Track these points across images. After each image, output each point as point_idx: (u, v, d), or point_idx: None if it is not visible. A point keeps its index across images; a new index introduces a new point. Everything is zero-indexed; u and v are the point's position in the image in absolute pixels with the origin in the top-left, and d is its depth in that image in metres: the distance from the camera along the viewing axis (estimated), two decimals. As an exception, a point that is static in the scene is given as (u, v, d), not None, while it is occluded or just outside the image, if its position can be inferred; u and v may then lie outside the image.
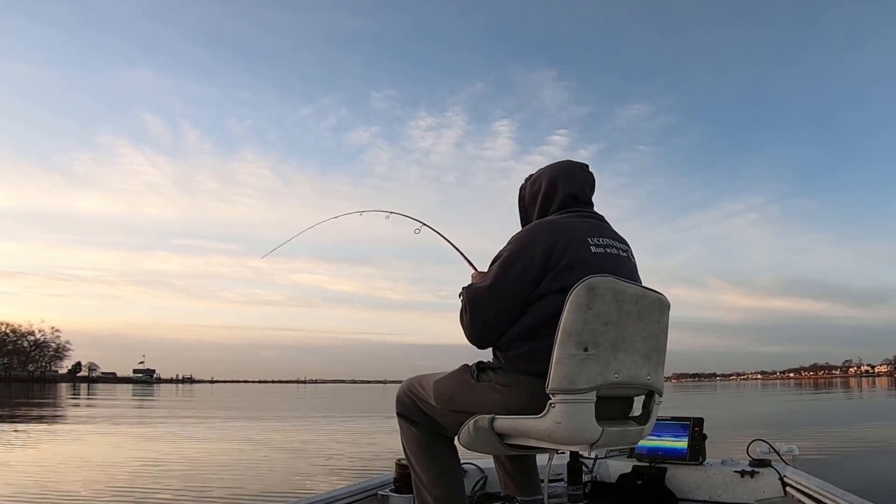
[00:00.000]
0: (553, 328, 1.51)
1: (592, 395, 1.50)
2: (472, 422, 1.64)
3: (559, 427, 1.49)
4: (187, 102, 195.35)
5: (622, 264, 1.72)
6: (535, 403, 1.52)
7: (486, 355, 1.77)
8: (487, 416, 1.61)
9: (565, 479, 2.51)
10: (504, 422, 1.59)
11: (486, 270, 1.88)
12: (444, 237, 2.65)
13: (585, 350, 1.49)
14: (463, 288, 1.85)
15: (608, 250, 1.69)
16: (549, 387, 1.49)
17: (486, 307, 1.63)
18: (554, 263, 1.60)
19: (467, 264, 2.26)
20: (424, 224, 2.76)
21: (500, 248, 1.70)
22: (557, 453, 1.74)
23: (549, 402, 1.49)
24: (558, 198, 1.81)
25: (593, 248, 1.66)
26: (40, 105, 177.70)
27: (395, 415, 1.87)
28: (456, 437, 1.73)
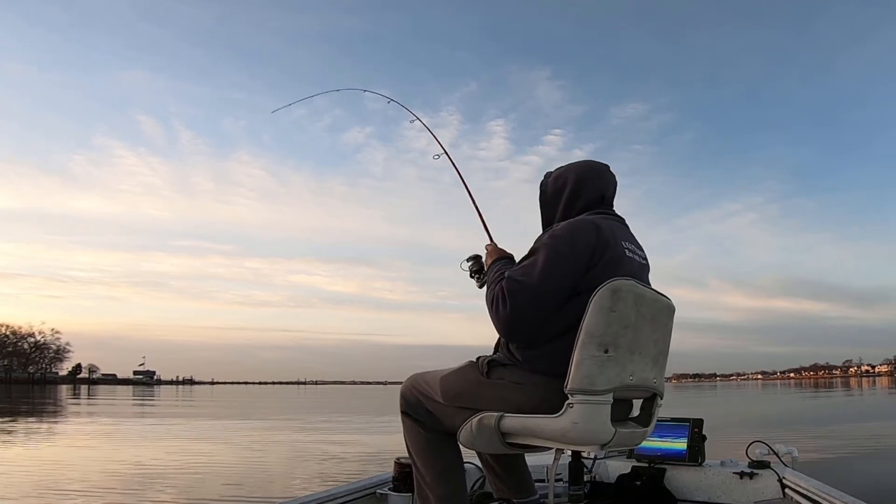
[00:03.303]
0: (575, 328, 1.51)
1: (610, 397, 1.51)
2: (475, 419, 1.62)
3: (576, 427, 1.49)
4: (182, 103, 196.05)
5: (643, 271, 1.75)
6: (550, 403, 1.52)
7: (490, 349, 1.75)
8: (495, 413, 1.59)
9: (565, 480, 2.52)
10: (513, 420, 1.58)
11: (503, 249, 1.87)
12: (462, 178, 2.45)
13: (606, 352, 1.50)
14: (490, 264, 1.82)
15: (635, 256, 1.72)
16: (569, 387, 1.49)
17: (530, 302, 1.55)
18: (595, 263, 1.59)
19: (482, 226, 2.15)
20: (446, 152, 2.57)
21: (535, 244, 1.66)
22: (562, 453, 1.74)
23: (567, 402, 1.49)
24: (586, 197, 1.79)
25: (627, 253, 1.68)
26: (37, 106, 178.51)
27: (395, 415, 1.85)
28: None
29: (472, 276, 1.97)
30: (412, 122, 2.91)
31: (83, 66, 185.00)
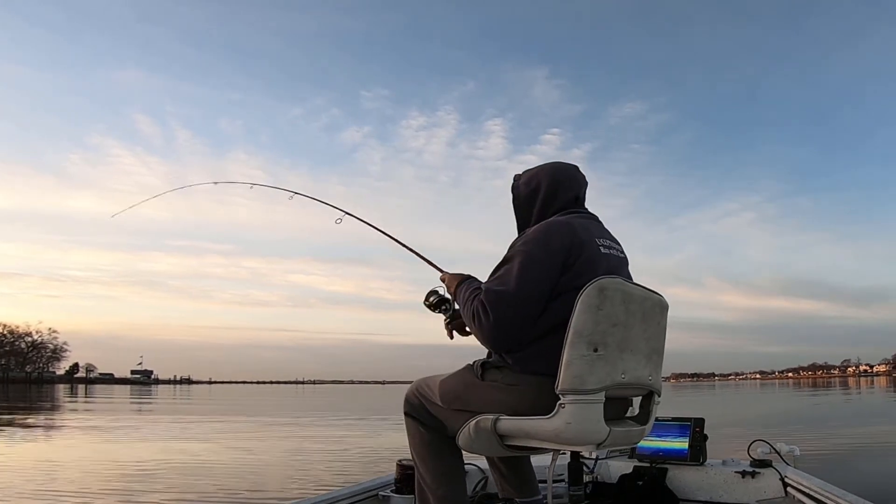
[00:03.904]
0: (562, 328, 1.50)
1: (602, 396, 1.51)
2: (473, 422, 1.62)
3: (569, 427, 1.49)
4: (178, 102, 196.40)
5: (622, 265, 1.76)
6: (543, 404, 1.52)
7: (486, 353, 1.74)
8: (491, 416, 1.60)
9: (566, 480, 2.51)
10: (509, 423, 1.58)
11: (460, 273, 1.86)
12: (381, 230, 2.37)
13: (595, 351, 1.49)
14: (454, 290, 1.81)
15: (611, 251, 1.72)
16: (560, 387, 1.49)
17: (512, 309, 1.55)
18: (571, 263, 1.59)
19: (425, 263, 2.13)
20: (347, 212, 2.45)
21: (508, 250, 1.66)
22: (560, 454, 1.73)
23: (559, 402, 1.49)
24: (561, 198, 1.81)
25: (602, 249, 1.68)
26: (32, 105, 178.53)
27: (395, 415, 1.87)
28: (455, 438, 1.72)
29: (438, 312, 1.95)
30: (291, 198, 2.77)
31: (79, 65, 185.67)
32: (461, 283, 1.80)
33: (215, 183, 3.13)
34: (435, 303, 1.95)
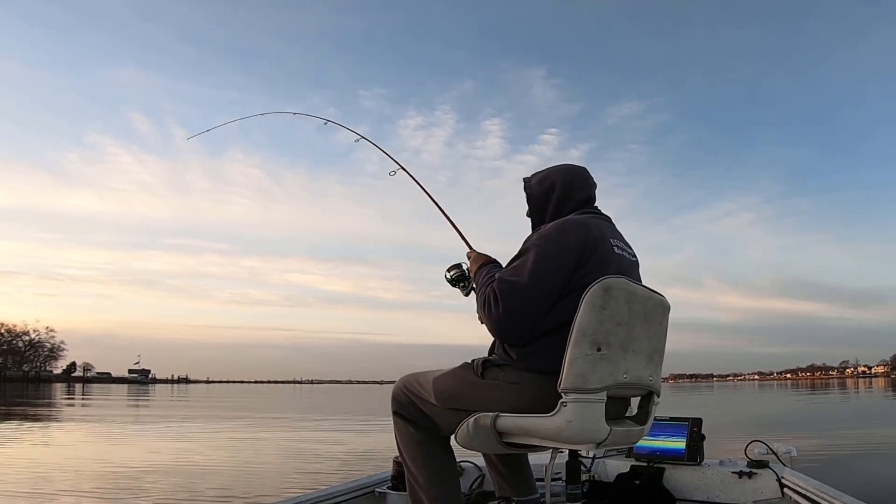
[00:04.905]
0: (568, 326, 1.51)
1: (603, 395, 1.52)
2: (472, 419, 1.62)
3: (570, 426, 1.49)
4: (176, 101, 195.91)
5: (633, 267, 1.77)
6: (544, 402, 1.52)
7: (485, 350, 1.75)
8: (490, 413, 1.59)
9: (563, 479, 2.51)
10: (509, 420, 1.58)
11: (487, 255, 1.89)
12: (426, 191, 2.44)
13: (598, 350, 1.50)
14: (471, 271, 1.84)
15: (624, 252, 1.74)
16: (562, 386, 1.49)
17: (521, 302, 1.55)
18: (584, 261, 1.60)
19: (458, 236, 2.17)
20: (402, 167, 2.55)
21: (524, 244, 1.67)
22: (559, 452, 1.73)
23: (561, 401, 1.49)
24: (575, 198, 1.83)
25: (616, 250, 1.70)
26: (30, 104, 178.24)
27: (391, 414, 1.85)
28: (452, 436, 1.71)
29: (455, 286, 1.97)
30: (357, 141, 2.87)
31: (77, 63, 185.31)
32: (483, 265, 1.82)
33: (294, 114, 3.38)
34: (455, 277, 1.97)
